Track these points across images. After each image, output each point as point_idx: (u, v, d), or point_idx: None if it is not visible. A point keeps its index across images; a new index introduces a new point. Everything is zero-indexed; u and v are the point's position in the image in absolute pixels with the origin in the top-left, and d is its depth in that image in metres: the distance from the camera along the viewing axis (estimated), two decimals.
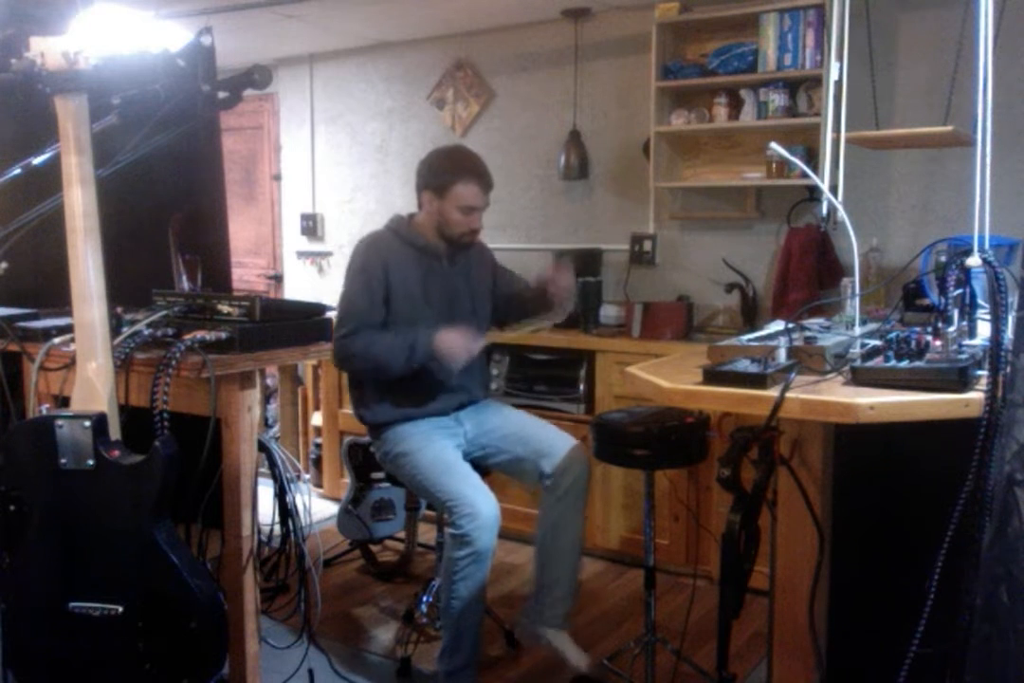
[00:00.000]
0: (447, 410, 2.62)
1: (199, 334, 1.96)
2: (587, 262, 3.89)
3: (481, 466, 2.62)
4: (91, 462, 1.78)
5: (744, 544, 1.72)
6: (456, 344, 2.39)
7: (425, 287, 2.56)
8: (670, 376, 1.78)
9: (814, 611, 1.76)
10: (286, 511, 2.18)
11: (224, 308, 2.07)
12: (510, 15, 4.00)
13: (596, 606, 3.17)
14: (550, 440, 2.57)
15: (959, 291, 1.89)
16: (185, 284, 2.63)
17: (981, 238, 1.76)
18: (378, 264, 2.51)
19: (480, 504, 2.32)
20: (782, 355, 1.76)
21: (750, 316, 3.55)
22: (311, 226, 4.97)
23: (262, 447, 2.13)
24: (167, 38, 2.34)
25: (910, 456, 1.85)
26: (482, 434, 2.63)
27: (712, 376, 1.69)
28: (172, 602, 1.82)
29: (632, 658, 2.51)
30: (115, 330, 1.97)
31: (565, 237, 4.12)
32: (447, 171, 2.55)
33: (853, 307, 2.12)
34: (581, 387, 3.55)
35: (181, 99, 1.98)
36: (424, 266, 2.58)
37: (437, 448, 2.50)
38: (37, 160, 1.97)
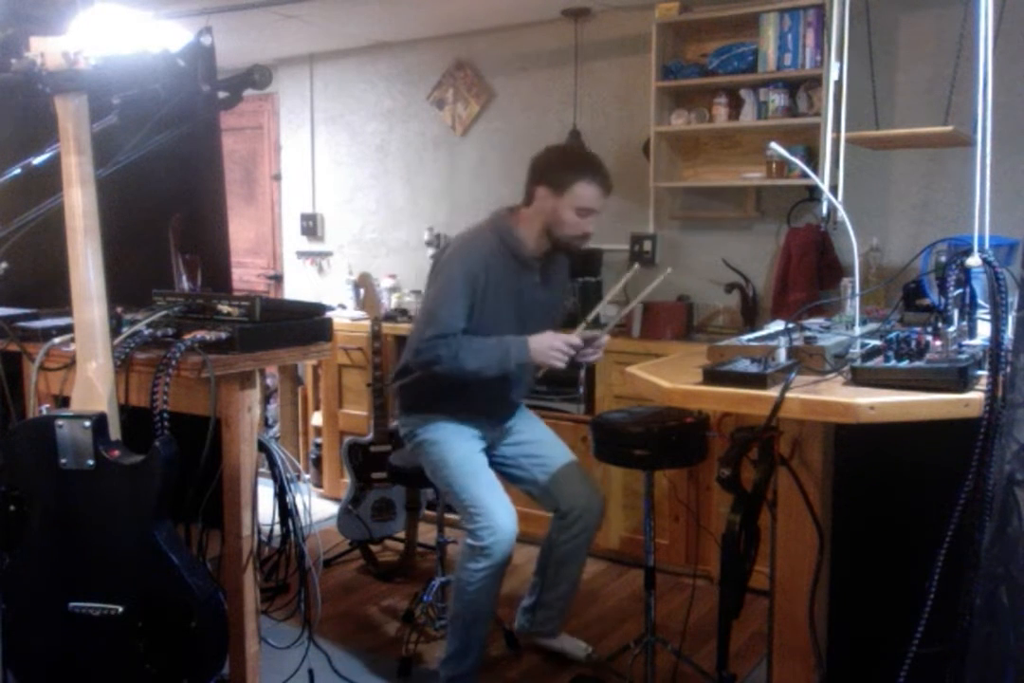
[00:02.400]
0: (492, 421, 2.59)
1: (199, 334, 1.95)
2: (587, 262, 3.89)
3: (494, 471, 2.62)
4: (91, 462, 1.78)
5: (744, 544, 1.72)
6: (550, 347, 2.32)
7: (514, 301, 2.46)
8: (670, 376, 1.78)
9: (814, 611, 1.76)
10: (286, 511, 2.17)
11: (224, 308, 2.06)
12: (510, 15, 4.00)
13: (596, 606, 3.17)
14: (572, 478, 2.56)
15: (959, 291, 1.89)
16: (185, 284, 2.63)
17: (981, 238, 1.76)
18: (480, 272, 2.39)
19: (501, 517, 2.32)
20: (782, 355, 1.75)
21: (750, 316, 3.55)
22: (311, 226, 4.97)
23: (262, 447, 2.13)
24: (167, 38, 2.33)
25: (910, 456, 1.85)
26: (508, 445, 2.61)
27: (712, 376, 1.69)
28: (172, 602, 1.82)
29: (632, 658, 2.51)
30: (115, 330, 1.96)
31: None
32: (570, 168, 2.39)
33: (853, 307, 2.12)
34: (581, 387, 3.55)
35: (181, 99, 1.98)
36: (519, 280, 2.46)
37: (468, 447, 2.49)
38: (37, 160, 1.96)
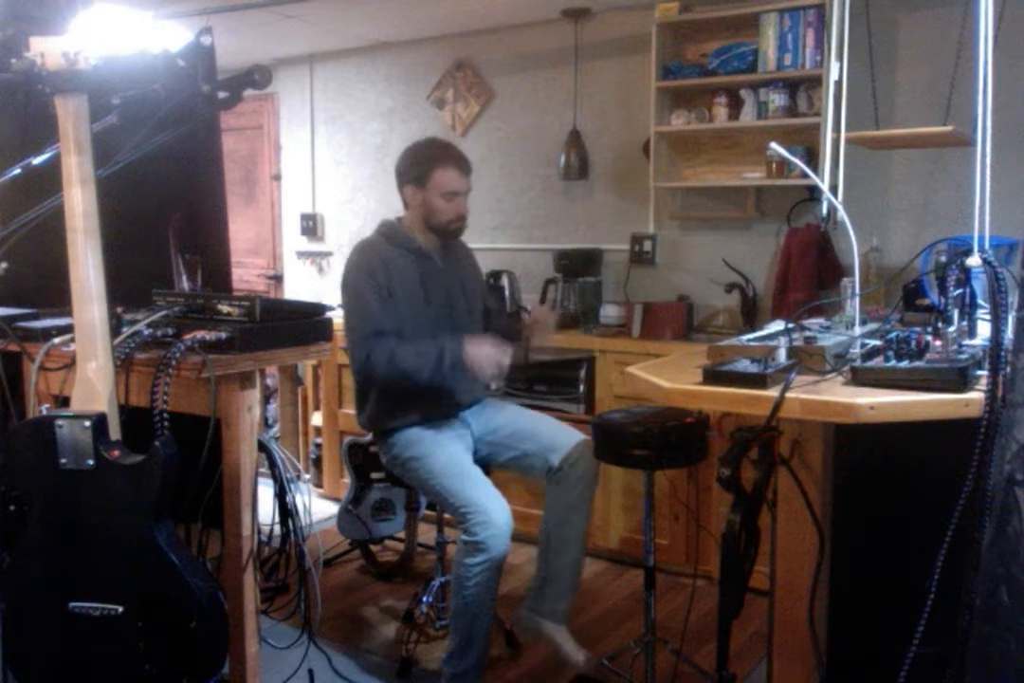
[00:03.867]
0: (453, 411, 2.62)
1: (199, 334, 1.95)
2: (587, 262, 3.89)
3: (486, 465, 2.62)
4: (91, 462, 1.78)
5: (744, 544, 1.72)
6: (486, 356, 2.35)
7: (424, 288, 2.56)
8: (670, 376, 1.78)
9: (814, 611, 1.76)
10: (286, 511, 2.18)
11: (224, 308, 2.07)
12: (510, 15, 4.00)
13: (596, 606, 3.17)
14: (558, 434, 2.58)
15: (959, 291, 1.89)
16: (185, 284, 2.63)
17: (981, 238, 1.76)
18: (379, 267, 2.51)
19: (494, 511, 2.33)
20: (782, 355, 1.76)
21: (750, 316, 3.55)
22: (311, 226, 4.97)
23: (262, 447, 2.13)
24: (167, 38, 2.33)
25: (910, 456, 1.85)
26: (489, 433, 2.64)
27: (712, 376, 1.70)
28: (172, 602, 1.82)
29: (632, 658, 2.51)
30: (115, 330, 1.96)
31: (565, 237, 4.12)
32: (423, 161, 2.58)
33: (853, 307, 2.12)
34: (581, 387, 3.55)
35: (181, 99, 1.98)
36: (420, 267, 2.58)
37: (449, 452, 2.50)
38: (37, 160, 1.96)
